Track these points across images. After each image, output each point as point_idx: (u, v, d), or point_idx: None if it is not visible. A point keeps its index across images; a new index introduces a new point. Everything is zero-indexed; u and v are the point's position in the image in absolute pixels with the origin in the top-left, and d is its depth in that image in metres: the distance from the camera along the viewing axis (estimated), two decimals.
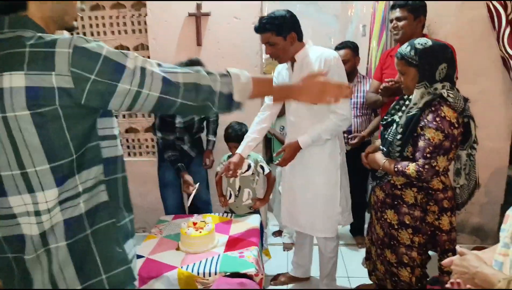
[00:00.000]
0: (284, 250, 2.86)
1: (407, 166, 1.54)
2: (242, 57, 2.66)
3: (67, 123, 0.82)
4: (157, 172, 2.51)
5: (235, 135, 2.27)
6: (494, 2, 2.28)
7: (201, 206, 2.47)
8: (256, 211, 2.36)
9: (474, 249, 2.14)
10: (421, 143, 1.50)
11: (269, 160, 2.93)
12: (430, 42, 1.51)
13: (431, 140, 1.46)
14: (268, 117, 2.12)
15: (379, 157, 1.71)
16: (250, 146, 2.07)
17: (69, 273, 0.90)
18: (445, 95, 1.48)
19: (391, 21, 2.26)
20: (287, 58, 1.90)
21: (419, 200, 1.62)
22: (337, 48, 2.66)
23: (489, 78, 2.52)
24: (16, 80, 0.78)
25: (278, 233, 3.06)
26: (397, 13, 2.19)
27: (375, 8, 3.30)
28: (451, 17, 2.44)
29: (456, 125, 1.48)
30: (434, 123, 1.46)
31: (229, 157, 2.35)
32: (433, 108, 1.49)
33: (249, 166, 2.30)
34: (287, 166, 2.04)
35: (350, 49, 2.65)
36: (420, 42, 1.52)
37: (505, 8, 2.26)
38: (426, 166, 1.48)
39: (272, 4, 5.06)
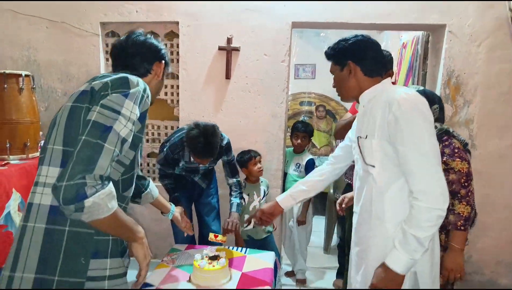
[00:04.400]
0: (296, 285, 2.83)
1: (456, 213, 1.53)
2: (268, 93, 2.70)
3: (83, 121, 0.98)
4: (169, 199, 2.49)
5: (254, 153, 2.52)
6: None
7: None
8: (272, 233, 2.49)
9: None
10: (453, 177, 1.55)
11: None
12: (422, 87, 1.79)
13: (462, 171, 1.54)
14: (330, 170, 1.72)
15: (454, 253, 1.53)
16: (293, 197, 1.73)
17: (32, 258, 0.95)
18: (450, 130, 1.65)
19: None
20: (347, 95, 1.42)
21: (441, 240, 1.58)
22: None
23: None
24: (95, 85, 1.03)
25: (291, 273, 2.97)
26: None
27: (402, 56, 3.34)
28: (480, 68, 2.44)
29: (467, 153, 1.63)
30: (456, 155, 1.55)
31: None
32: (445, 143, 1.59)
33: (264, 192, 2.55)
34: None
35: None
36: (414, 86, 1.79)
37: None
38: (469, 193, 1.55)
39: (301, 45, 5.21)
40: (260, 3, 2.60)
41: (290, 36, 2.64)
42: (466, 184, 1.54)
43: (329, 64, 1.44)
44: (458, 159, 1.55)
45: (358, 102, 1.42)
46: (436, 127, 1.64)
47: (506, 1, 2.33)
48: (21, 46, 2.89)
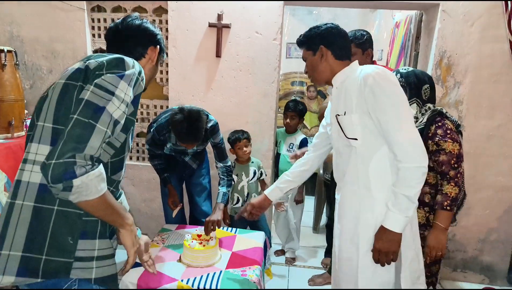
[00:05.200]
0: (286, 263, 2.88)
1: (444, 193, 1.55)
2: (259, 72, 2.66)
3: (76, 100, 0.97)
4: (163, 182, 2.47)
5: (243, 135, 2.48)
6: None
7: (201, 218, 2.43)
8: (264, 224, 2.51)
9: None
10: (443, 158, 1.57)
11: (276, 175, 2.91)
12: (411, 68, 1.75)
13: (453, 152, 1.56)
14: (311, 158, 1.77)
15: (438, 231, 1.56)
16: (281, 189, 1.77)
17: (19, 236, 0.95)
18: (444, 111, 1.66)
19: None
20: (320, 78, 1.49)
21: (431, 220, 1.64)
22: None
23: (507, 114, 2.48)
24: (90, 64, 1.02)
25: (280, 252, 3.02)
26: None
27: (395, 35, 3.31)
28: (472, 48, 2.43)
29: (459, 135, 1.65)
30: (448, 136, 1.57)
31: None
32: (439, 124, 1.60)
33: (254, 173, 2.54)
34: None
35: None
36: (404, 68, 1.76)
37: None
38: (458, 175, 1.56)
39: (294, 24, 5.12)
40: None
41: (282, 13, 2.57)
42: (456, 165, 1.56)
43: None
44: (449, 141, 1.56)
45: (330, 85, 1.50)
46: (429, 108, 1.66)
47: None
48: (2, 21, 2.78)
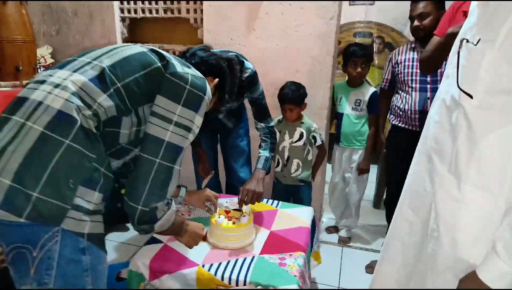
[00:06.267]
0: (338, 243, 2.45)
1: None
2: (314, 5, 2.09)
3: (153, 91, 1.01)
4: (191, 144, 2.08)
5: (291, 96, 1.99)
6: None
7: (239, 187, 2.03)
8: (308, 184, 2.18)
9: None
10: None
11: (336, 139, 2.40)
12: None
13: None
14: None
15: None
16: None
17: (14, 161, 0.81)
18: None
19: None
20: None
21: None
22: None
23: None
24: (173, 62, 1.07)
25: (333, 229, 2.57)
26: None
27: None
28: None
29: None
30: None
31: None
32: None
33: (301, 135, 2.09)
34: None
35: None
36: None
37: None
38: None
39: None
40: None
41: None
42: None
43: None
44: None
45: None
46: None
47: None
48: None
